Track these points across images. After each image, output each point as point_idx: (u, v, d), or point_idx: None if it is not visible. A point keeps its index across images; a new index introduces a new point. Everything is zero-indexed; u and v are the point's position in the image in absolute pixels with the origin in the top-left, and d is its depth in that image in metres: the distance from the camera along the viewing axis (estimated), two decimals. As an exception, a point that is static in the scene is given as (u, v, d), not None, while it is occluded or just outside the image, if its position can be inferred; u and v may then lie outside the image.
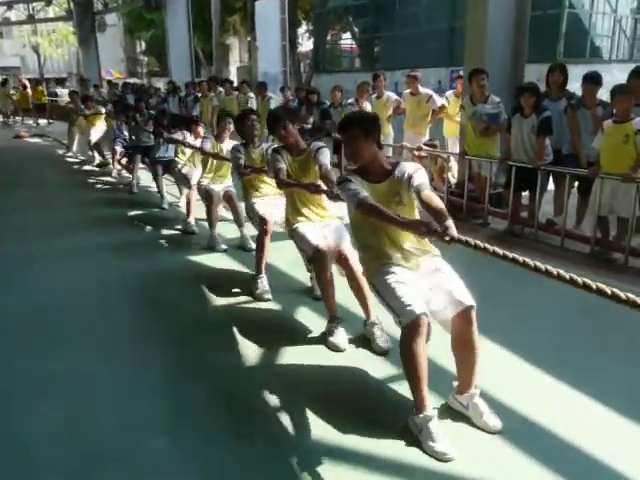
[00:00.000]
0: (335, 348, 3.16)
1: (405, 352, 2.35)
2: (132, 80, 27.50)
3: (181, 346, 3.34)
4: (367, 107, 7.46)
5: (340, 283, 3.35)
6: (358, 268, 3.04)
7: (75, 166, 10.31)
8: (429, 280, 2.54)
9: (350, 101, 7.52)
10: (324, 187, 3.34)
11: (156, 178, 6.95)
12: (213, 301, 3.99)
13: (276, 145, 4.05)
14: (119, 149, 8.56)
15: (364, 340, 3.23)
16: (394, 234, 2.59)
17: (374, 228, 2.62)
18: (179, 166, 6.22)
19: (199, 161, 5.75)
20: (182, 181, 6.25)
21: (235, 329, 3.49)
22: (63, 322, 3.72)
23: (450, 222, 2.24)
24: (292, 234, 3.55)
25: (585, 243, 4.95)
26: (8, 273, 4.70)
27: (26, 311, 3.87)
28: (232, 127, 5.08)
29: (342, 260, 3.28)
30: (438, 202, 2.42)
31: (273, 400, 2.71)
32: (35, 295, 4.19)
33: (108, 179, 8.77)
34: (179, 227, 5.85)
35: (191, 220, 5.74)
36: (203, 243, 5.26)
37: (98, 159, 9.84)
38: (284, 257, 4.41)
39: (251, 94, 9.70)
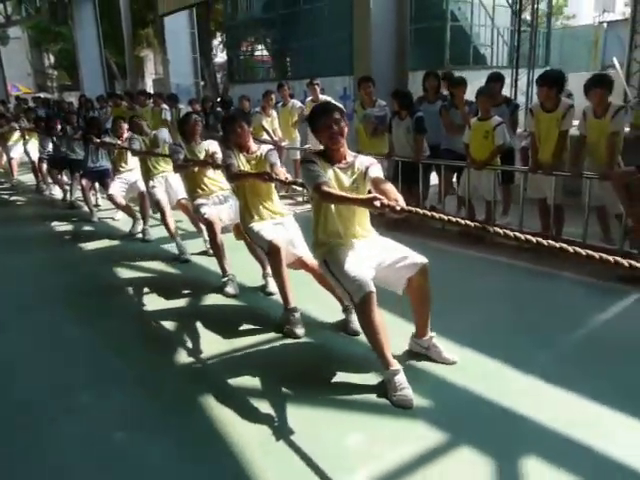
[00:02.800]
0: (294, 336, 3.43)
1: (364, 323, 2.73)
2: (42, 94, 26.66)
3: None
4: (273, 114, 8.06)
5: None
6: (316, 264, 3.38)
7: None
8: (379, 255, 2.89)
9: (257, 109, 8.07)
10: (277, 176, 3.57)
11: (84, 191, 6.91)
12: (183, 304, 4.21)
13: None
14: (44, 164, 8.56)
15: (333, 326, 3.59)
16: (347, 217, 2.91)
17: (330, 211, 2.91)
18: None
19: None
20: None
21: (200, 323, 3.76)
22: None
23: (400, 197, 2.56)
24: (247, 232, 3.78)
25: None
26: None
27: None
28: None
29: (300, 262, 3.61)
30: (389, 185, 2.74)
31: (248, 379, 2.98)
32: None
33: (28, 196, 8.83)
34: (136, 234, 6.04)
35: (147, 227, 5.97)
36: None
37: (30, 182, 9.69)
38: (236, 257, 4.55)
39: (165, 106, 10.00)
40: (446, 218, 2.35)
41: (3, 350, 3.53)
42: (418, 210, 2.47)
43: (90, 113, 11.68)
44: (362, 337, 2.95)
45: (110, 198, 6.07)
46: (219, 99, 11.48)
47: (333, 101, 7.89)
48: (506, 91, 9.55)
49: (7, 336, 3.75)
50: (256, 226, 3.68)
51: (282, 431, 2.52)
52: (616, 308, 3.79)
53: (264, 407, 2.73)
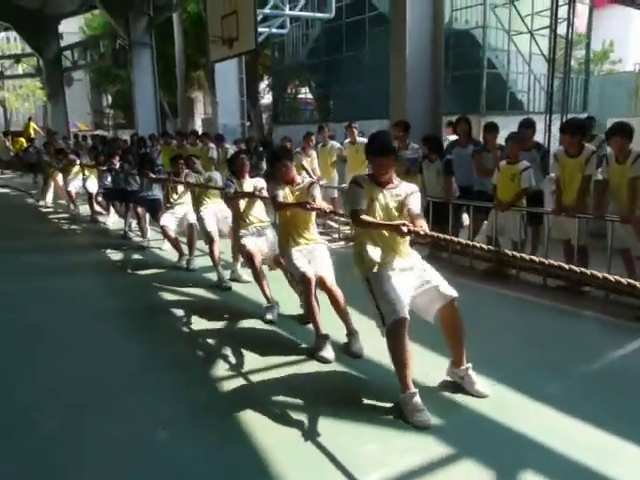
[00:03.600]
0: (324, 361, 3.65)
1: (392, 346, 2.90)
2: (99, 132, 28.37)
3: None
4: (313, 154, 8.53)
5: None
6: (337, 290, 3.79)
7: (56, 215, 10.98)
8: (417, 279, 3.06)
9: (297, 150, 8.56)
10: (317, 205, 3.88)
11: (139, 219, 7.53)
12: (222, 326, 4.53)
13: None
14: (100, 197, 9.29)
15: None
16: (388, 238, 3.08)
17: (372, 232, 3.11)
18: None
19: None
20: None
21: (237, 343, 4.08)
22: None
23: (424, 223, 2.86)
24: (283, 256, 4.14)
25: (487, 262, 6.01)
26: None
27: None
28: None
29: (320, 281, 3.86)
30: (420, 219, 2.97)
31: (279, 393, 3.26)
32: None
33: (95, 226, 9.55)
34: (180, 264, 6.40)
35: (192, 258, 6.33)
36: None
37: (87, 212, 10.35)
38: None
39: (212, 145, 10.65)
40: (464, 242, 2.63)
41: (69, 359, 3.95)
42: (439, 235, 2.76)
43: (142, 150, 12.51)
44: (382, 360, 3.20)
45: (162, 229, 6.46)
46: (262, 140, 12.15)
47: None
48: (540, 136, 9.88)
49: (75, 348, 4.16)
50: (293, 254, 3.97)
51: (306, 437, 2.79)
52: (633, 345, 3.92)
53: (292, 417, 3.01)
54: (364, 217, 3.00)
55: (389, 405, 3.08)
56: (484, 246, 2.57)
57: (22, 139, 20.38)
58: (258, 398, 3.25)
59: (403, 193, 3.12)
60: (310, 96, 21.27)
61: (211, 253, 5.70)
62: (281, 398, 3.23)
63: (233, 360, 3.82)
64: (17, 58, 26.57)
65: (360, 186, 3.07)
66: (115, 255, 7.28)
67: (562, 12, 15.76)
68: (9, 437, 2.90)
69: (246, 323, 4.55)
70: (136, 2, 16.71)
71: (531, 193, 5.65)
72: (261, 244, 4.82)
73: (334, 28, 16.46)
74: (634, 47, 31.79)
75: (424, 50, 7.25)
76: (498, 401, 3.11)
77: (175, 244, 6.52)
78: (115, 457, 2.71)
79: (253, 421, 2.97)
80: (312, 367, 3.65)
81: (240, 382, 3.50)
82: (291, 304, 4.67)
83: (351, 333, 3.81)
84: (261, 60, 23.98)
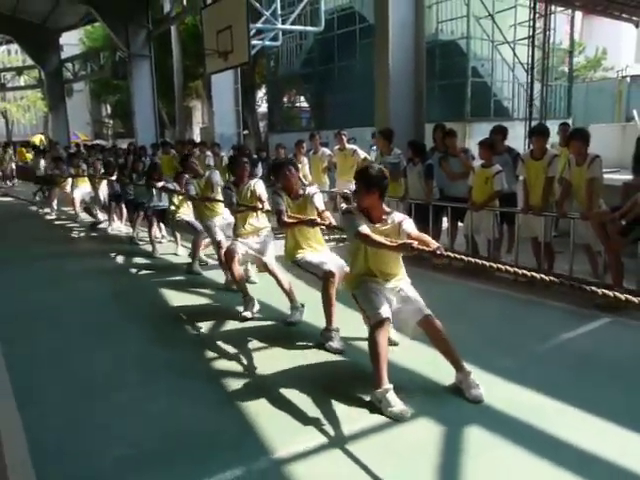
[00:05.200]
0: (335, 351, 3.89)
1: (371, 342, 3.11)
2: (98, 141, 28.89)
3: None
4: (304, 161, 8.97)
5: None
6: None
7: (61, 222, 11.37)
8: (397, 296, 3.29)
9: (290, 157, 8.99)
10: (321, 220, 4.04)
11: (150, 228, 7.75)
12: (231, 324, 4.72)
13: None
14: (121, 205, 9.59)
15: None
16: (376, 261, 3.32)
17: (364, 255, 3.34)
18: (180, 216, 6.86)
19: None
20: (186, 229, 6.92)
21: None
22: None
23: (432, 241, 3.08)
24: (298, 263, 4.23)
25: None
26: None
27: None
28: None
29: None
30: (424, 235, 3.21)
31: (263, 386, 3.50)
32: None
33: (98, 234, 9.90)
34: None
35: (196, 263, 6.54)
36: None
37: (89, 218, 10.76)
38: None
39: (209, 153, 11.12)
40: (482, 263, 2.89)
41: (86, 355, 4.37)
42: (449, 254, 3.00)
43: (142, 159, 12.93)
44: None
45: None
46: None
47: (359, 150, 8.78)
48: (520, 142, 10.31)
49: (96, 347, 4.59)
50: (306, 256, 4.18)
51: (292, 403, 3.25)
52: (583, 329, 4.36)
53: (284, 389, 3.44)
54: (370, 233, 3.17)
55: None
56: (501, 267, 2.76)
57: (24, 149, 20.84)
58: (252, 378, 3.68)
59: (396, 222, 3.28)
60: (304, 105, 21.83)
61: (219, 259, 5.84)
62: (263, 385, 3.56)
63: (235, 350, 4.14)
64: (19, 70, 27.14)
65: (352, 214, 3.31)
66: (129, 261, 7.48)
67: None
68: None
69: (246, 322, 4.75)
70: (135, 16, 17.24)
71: (505, 195, 6.08)
72: (253, 246, 4.93)
73: (326, 39, 17.04)
74: (625, 55, 32.44)
75: (407, 60, 7.70)
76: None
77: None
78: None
79: (239, 391, 3.41)
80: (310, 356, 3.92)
81: (243, 368, 3.85)
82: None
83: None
84: (259, 70, 24.53)
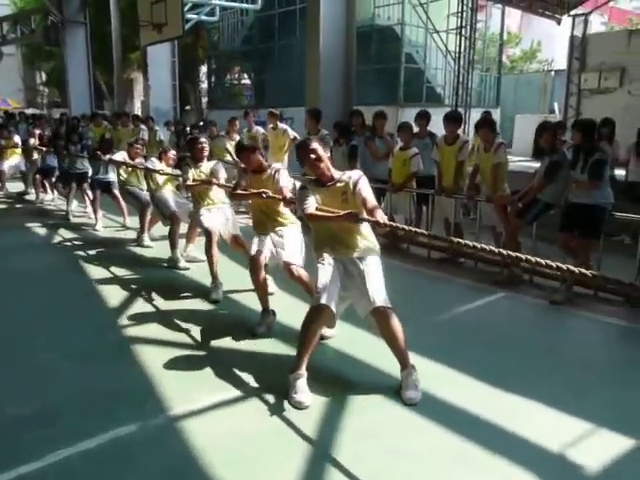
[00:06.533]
0: (262, 331, 3.94)
1: (303, 324, 3.06)
2: (31, 110, 27.56)
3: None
4: (236, 138, 9.00)
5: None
6: (301, 274, 3.80)
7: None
8: (352, 277, 3.15)
9: (222, 133, 9.03)
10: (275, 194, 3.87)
11: (94, 201, 7.63)
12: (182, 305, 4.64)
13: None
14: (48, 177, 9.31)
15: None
16: (337, 234, 3.22)
17: (322, 228, 3.28)
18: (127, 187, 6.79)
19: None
20: (131, 201, 6.93)
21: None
22: None
23: (381, 213, 3.06)
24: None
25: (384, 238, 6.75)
26: None
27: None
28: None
29: (284, 266, 3.90)
30: (372, 201, 3.14)
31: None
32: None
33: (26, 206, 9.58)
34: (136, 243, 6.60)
35: (145, 235, 6.60)
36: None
37: (17, 189, 10.40)
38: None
39: (143, 126, 10.96)
40: (422, 232, 3.38)
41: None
42: (398, 225, 3.20)
43: (78, 130, 12.55)
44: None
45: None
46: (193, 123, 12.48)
47: (289, 129, 8.92)
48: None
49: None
50: (259, 238, 4.03)
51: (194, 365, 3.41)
52: (479, 302, 4.76)
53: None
54: (313, 211, 3.18)
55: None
56: (439, 235, 3.10)
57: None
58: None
59: (351, 181, 3.21)
60: (243, 82, 21.66)
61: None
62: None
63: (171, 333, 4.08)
64: (-59, 29, 25.32)
65: (305, 188, 3.31)
66: (66, 234, 7.29)
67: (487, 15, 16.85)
68: None
69: (196, 304, 4.70)
70: (69, -21, 16.49)
71: (425, 177, 6.40)
72: (220, 224, 4.96)
73: (267, 17, 16.94)
74: (560, 49, 33.86)
75: (337, 43, 7.89)
76: (355, 339, 3.80)
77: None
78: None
79: (148, 355, 3.57)
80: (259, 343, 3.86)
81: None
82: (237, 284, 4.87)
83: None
84: (202, 44, 24.05)
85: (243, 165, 4.23)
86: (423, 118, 6.75)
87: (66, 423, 2.80)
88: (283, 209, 4.11)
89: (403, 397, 3.04)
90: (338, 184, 3.25)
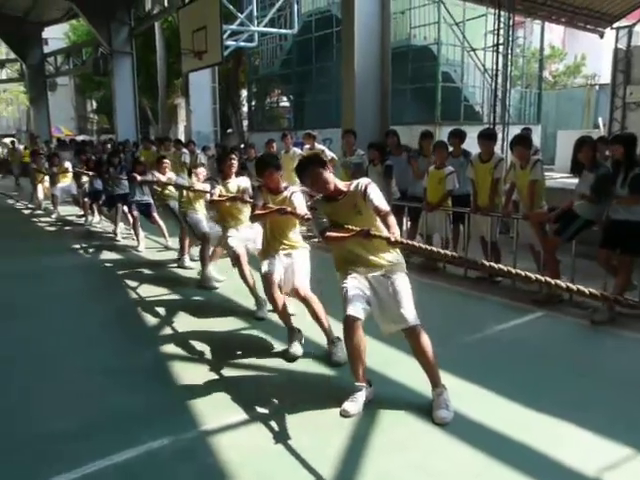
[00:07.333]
0: (292, 357, 3.88)
1: (344, 340, 3.13)
2: (81, 137, 28.87)
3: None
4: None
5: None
6: (311, 298, 3.78)
7: (39, 217, 11.47)
8: (379, 295, 3.11)
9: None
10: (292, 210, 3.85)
11: (135, 223, 7.85)
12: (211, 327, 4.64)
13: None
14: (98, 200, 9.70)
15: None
16: (357, 250, 3.14)
17: (341, 246, 3.22)
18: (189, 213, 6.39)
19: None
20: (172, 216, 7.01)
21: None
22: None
23: (396, 230, 2.95)
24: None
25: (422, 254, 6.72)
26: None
27: None
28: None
29: (295, 292, 3.89)
30: (384, 207, 3.05)
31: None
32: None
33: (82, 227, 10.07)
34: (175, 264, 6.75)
35: (185, 257, 6.69)
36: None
37: (74, 211, 10.90)
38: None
39: (185, 150, 11.32)
40: (435, 250, 2.90)
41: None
42: (409, 242, 3.00)
43: (120, 154, 13.08)
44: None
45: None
46: (238, 146, 12.80)
47: (327, 150, 9.05)
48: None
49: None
50: (267, 259, 4.01)
51: (226, 382, 3.47)
52: (518, 321, 4.67)
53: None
54: (330, 234, 3.13)
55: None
56: (454, 254, 3.02)
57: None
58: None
59: (360, 189, 3.12)
60: (283, 105, 22.09)
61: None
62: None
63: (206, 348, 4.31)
64: (1, 63, 26.99)
65: (316, 209, 3.24)
66: (111, 255, 7.56)
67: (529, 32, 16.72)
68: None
69: (226, 320, 4.82)
70: (118, 13, 17.34)
71: (460, 196, 6.34)
72: (248, 241, 4.95)
73: (305, 41, 17.37)
74: (606, 62, 33.03)
75: (372, 64, 7.98)
76: (391, 359, 3.79)
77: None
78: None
79: (181, 372, 3.65)
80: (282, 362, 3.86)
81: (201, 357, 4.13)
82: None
83: (332, 342, 3.82)
84: (243, 68, 24.70)
85: (262, 183, 4.19)
86: (456, 137, 6.71)
87: (102, 436, 2.90)
88: (294, 233, 4.10)
89: (434, 417, 2.99)
90: (348, 196, 3.17)
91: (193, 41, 10.95)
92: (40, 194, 12.19)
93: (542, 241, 5.24)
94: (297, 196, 4.02)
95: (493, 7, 10.63)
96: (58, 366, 3.86)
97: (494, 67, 9.99)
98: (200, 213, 6.28)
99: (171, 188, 7.04)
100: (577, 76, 30.46)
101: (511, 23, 9.77)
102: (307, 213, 3.67)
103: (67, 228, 10.01)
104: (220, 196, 5.03)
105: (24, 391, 3.46)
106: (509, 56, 9.86)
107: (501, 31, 9.68)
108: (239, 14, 11.03)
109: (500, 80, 9.98)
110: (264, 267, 3.96)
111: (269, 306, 4.37)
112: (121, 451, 2.72)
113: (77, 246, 8.22)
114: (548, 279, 2.48)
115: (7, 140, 24.66)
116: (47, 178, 11.64)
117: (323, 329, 3.85)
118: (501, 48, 10.01)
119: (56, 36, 31.02)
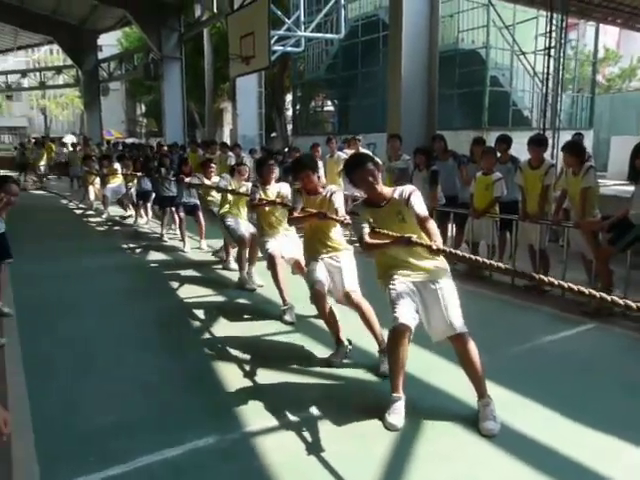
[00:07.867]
0: (336, 363, 3.79)
1: (388, 347, 3.06)
2: (130, 139, 29.80)
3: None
4: (319, 165, 9.23)
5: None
6: (361, 302, 3.68)
7: (91, 217, 11.94)
8: (425, 300, 3.03)
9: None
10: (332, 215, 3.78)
11: (181, 224, 7.98)
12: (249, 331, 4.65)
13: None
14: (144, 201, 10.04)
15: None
16: (400, 256, 3.07)
17: (383, 253, 3.16)
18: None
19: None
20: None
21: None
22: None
23: (439, 238, 2.89)
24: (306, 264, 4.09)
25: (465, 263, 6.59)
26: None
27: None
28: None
29: (345, 296, 3.83)
30: (431, 224, 2.97)
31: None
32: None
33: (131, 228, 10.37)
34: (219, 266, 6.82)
35: (231, 259, 6.68)
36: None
37: (121, 212, 11.26)
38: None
39: (230, 153, 11.51)
40: (481, 260, 2.74)
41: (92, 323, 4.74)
42: (452, 250, 2.87)
43: (169, 155, 13.42)
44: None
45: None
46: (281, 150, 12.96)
47: (371, 154, 9.00)
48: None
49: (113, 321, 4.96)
50: (312, 264, 3.94)
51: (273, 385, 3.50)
52: (565, 333, 4.51)
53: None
54: (369, 241, 3.10)
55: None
56: (500, 264, 2.74)
57: (52, 145, 21.48)
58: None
59: (404, 197, 3.07)
60: (327, 109, 22.20)
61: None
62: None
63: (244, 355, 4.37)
64: (58, 69, 28.21)
65: (357, 214, 3.21)
66: (157, 256, 7.74)
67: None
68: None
69: (268, 323, 4.82)
70: (168, 20, 17.84)
71: (508, 203, 6.21)
72: (285, 250, 4.92)
73: (351, 46, 17.33)
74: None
75: (419, 69, 7.93)
76: (433, 365, 3.74)
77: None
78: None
79: (228, 375, 3.69)
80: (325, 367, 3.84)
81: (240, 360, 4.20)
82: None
83: (381, 351, 3.68)
84: (289, 74, 24.96)
85: (299, 185, 4.15)
86: (503, 143, 6.58)
87: (148, 432, 2.97)
88: (336, 234, 4.00)
89: (481, 428, 2.92)
90: (392, 203, 3.12)
91: (241, 46, 11.14)
92: (91, 195, 12.60)
93: (594, 251, 5.06)
94: (337, 196, 3.94)
95: (545, 9, 10.39)
96: (105, 364, 3.95)
97: (545, 71, 9.74)
98: (239, 217, 6.27)
99: (214, 194, 7.16)
100: (632, 79, 29.35)
101: (564, 25, 9.50)
102: (347, 217, 3.56)
103: (116, 228, 10.32)
104: (260, 200, 5.05)
105: (74, 389, 3.55)
106: (561, 59, 9.59)
107: (553, 34, 9.45)
108: (286, 19, 11.14)
109: (551, 84, 9.71)
110: (312, 275, 3.85)
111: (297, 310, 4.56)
112: (166, 448, 2.77)
113: (125, 246, 8.46)
114: (603, 295, 2.29)
115: (67, 140, 25.49)
116: (98, 180, 12.06)
117: (375, 336, 3.73)
118: (553, 51, 9.76)
119: (109, 43, 32.22)
